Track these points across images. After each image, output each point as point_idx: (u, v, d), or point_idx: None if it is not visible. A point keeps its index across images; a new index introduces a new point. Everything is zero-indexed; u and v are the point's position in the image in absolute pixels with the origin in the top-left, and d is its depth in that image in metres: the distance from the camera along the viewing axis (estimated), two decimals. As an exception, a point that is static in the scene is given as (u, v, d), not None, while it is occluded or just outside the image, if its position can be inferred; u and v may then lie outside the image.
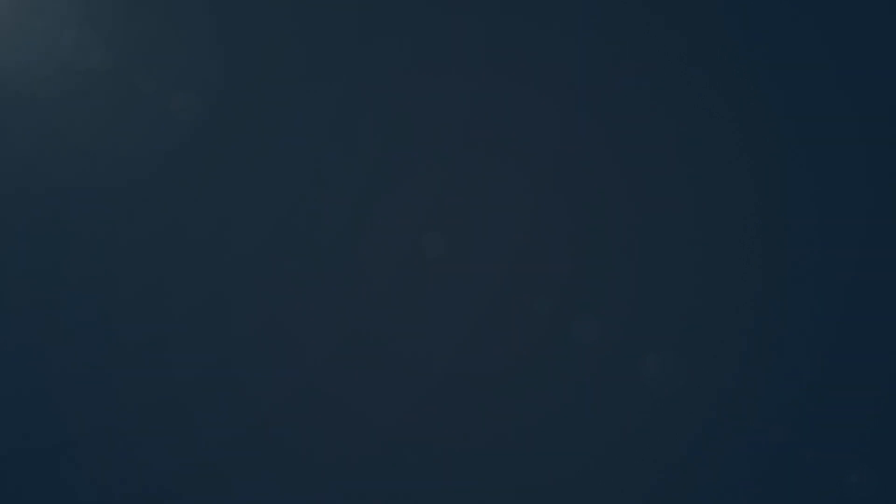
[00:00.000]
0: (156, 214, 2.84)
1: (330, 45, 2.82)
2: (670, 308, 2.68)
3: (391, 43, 2.80)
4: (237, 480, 2.79)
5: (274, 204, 2.81)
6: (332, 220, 2.80)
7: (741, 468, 2.63)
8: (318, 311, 2.78)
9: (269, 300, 2.80)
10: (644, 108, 2.73)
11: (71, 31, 2.85)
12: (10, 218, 2.86)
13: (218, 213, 2.82)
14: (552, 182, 2.74)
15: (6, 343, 2.87)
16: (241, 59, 2.83)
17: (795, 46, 2.68)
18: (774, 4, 2.69)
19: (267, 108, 2.82)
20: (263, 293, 2.80)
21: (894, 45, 2.64)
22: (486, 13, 2.78)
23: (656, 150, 2.71)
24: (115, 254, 2.84)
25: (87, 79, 2.85)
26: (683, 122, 2.71)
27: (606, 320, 2.69)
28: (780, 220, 2.66)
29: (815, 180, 2.65)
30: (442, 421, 2.73)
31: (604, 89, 2.74)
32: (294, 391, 2.78)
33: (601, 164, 2.73)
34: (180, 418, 2.82)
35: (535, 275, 2.73)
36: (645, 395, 2.67)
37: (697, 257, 2.68)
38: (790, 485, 2.60)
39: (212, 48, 2.84)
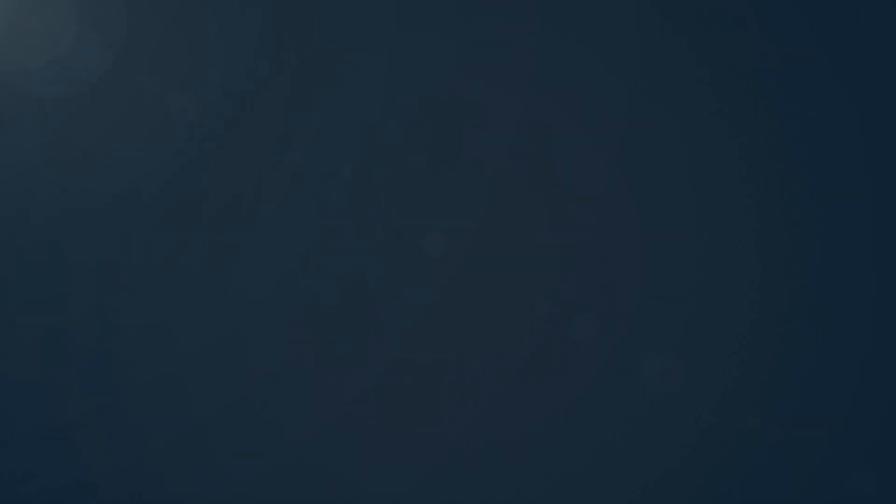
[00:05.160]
0: (156, 214, 2.84)
1: (330, 46, 2.82)
2: (670, 308, 2.67)
3: (391, 43, 2.80)
4: (242, 483, 2.79)
5: (273, 203, 2.81)
6: (332, 219, 2.80)
7: (741, 468, 2.62)
8: (318, 310, 2.78)
9: (269, 300, 2.80)
10: (644, 107, 2.73)
11: (71, 31, 2.85)
12: (10, 218, 2.87)
13: (217, 213, 2.82)
14: (552, 181, 2.74)
15: (7, 344, 2.87)
16: (241, 59, 2.83)
17: (795, 45, 2.68)
18: (775, 4, 2.69)
19: (267, 109, 2.82)
20: (263, 292, 2.80)
21: (893, 44, 2.64)
22: (483, 13, 2.78)
23: (656, 150, 2.71)
24: (114, 253, 2.84)
25: (87, 79, 2.85)
26: (684, 123, 2.71)
27: (606, 320, 2.69)
28: (780, 220, 2.66)
29: (816, 180, 2.65)
30: (441, 420, 2.73)
31: (604, 89, 2.74)
32: (293, 391, 2.78)
33: (601, 164, 2.73)
34: (188, 416, 2.82)
35: (535, 274, 2.73)
36: (645, 395, 2.66)
37: (697, 257, 2.68)
38: (790, 485, 2.60)
39: (212, 48, 2.84)
